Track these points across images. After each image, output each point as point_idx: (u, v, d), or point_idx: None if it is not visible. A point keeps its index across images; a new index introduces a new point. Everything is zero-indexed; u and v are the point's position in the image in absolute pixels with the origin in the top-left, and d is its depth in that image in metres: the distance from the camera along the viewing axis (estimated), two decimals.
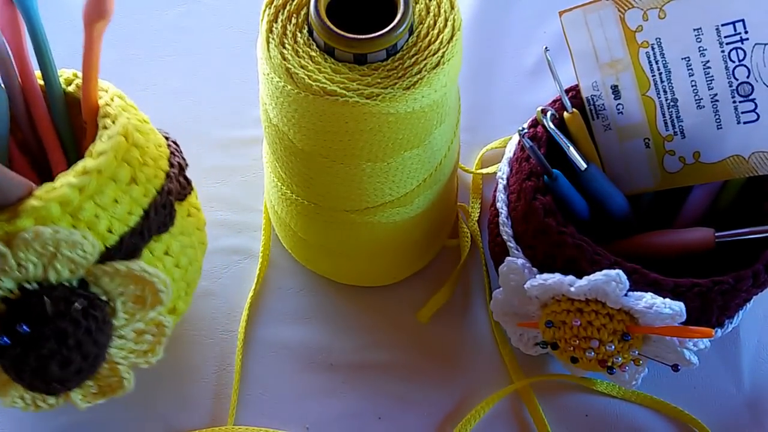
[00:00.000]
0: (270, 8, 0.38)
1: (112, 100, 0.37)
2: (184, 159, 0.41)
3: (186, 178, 0.41)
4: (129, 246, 0.36)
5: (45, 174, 0.40)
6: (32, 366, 0.33)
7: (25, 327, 0.32)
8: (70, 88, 0.39)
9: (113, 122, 0.36)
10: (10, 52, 0.37)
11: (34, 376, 0.33)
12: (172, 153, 0.40)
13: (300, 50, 0.37)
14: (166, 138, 0.41)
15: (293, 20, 0.38)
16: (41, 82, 0.39)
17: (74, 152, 0.41)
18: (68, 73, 0.40)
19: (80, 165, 0.34)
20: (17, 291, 0.32)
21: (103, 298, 0.35)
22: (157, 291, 0.36)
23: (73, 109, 0.39)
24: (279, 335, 0.48)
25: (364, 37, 0.36)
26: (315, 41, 0.37)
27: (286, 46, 0.37)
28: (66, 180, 0.33)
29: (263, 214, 0.52)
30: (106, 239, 0.35)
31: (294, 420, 0.45)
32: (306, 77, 0.36)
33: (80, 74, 0.39)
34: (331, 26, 0.36)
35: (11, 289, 0.32)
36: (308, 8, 0.38)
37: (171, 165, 0.39)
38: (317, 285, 0.50)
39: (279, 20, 0.38)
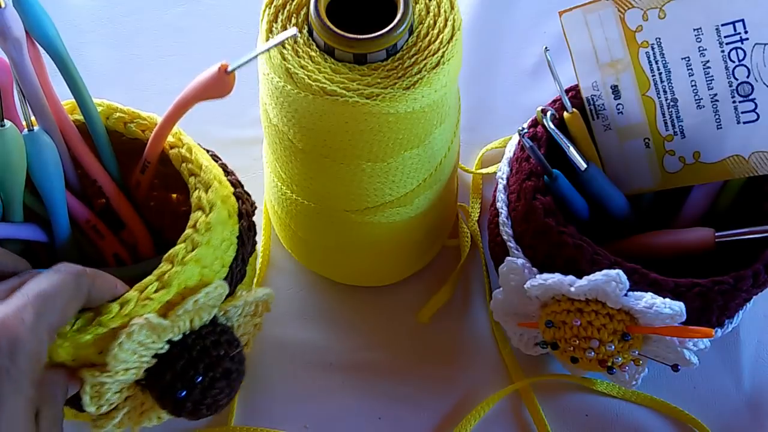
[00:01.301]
0: (270, 8, 0.38)
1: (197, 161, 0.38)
2: (233, 173, 0.43)
3: (245, 192, 0.42)
4: (236, 273, 0.39)
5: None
6: (208, 405, 0.36)
7: (199, 377, 0.35)
8: (112, 121, 0.39)
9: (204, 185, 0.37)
10: (44, 95, 0.36)
11: (208, 408, 0.36)
12: (225, 172, 0.41)
13: (300, 50, 0.37)
14: (213, 156, 0.42)
15: (293, 20, 0.38)
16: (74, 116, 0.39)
17: (121, 183, 0.41)
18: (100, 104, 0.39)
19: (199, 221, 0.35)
20: (165, 345, 0.35)
21: (229, 323, 0.38)
22: (268, 304, 0.40)
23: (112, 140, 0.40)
24: (279, 335, 0.48)
25: (364, 37, 0.36)
26: (315, 41, 0.37)
27: (286, 46, 0.37)
28: (191, 236, 0.35)
29: (263, 214, 0.52)
30: (222, 275, 0.37)
31: (294, 420, 0.45)
32: (306, 77, 0.36)
33: (109, 103, 0.39)
34: (331, 26, 0.36)
35: (161, 347, 0.35)
36: (308, 8, 0.38)
37: (233, 185, 0.40)
38: (317, 285, 0.50)
39: (279, 20, 0.38)
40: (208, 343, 0.36)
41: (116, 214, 0.41)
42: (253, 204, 0.41)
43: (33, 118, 0.36)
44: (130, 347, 0.33)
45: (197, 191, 0.36)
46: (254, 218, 0.47)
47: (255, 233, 0.42)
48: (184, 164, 0.37)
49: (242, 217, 0.39)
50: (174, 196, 0.46)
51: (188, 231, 0.35)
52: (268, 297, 0.40)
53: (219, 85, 0.35)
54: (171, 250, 0.34)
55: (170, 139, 0.38)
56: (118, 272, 0.37)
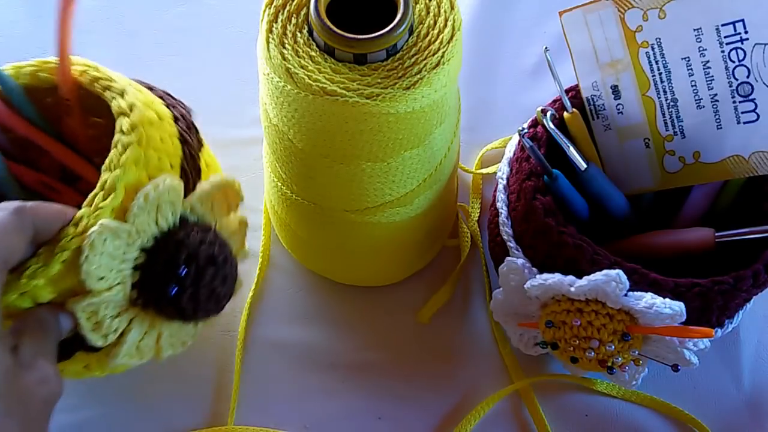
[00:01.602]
0: (270, 8, 0.38)
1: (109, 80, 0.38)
2: (157, 89, 0.43)
3: (176, 99, 0.43)
4: (190, 171, 0.39)
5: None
6: (206, 295, 0.37)
7: (183, 269, 0.35)
8: (25, 79, 0.40)
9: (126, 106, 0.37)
10: None
11: (208, 302, 0.37)
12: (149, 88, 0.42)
13: (300, 50, 0.37)
14: (151, 89, 0.43)
15: (293, 20, 0.38)
16: None
17: (54, 132, 0.41)
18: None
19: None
20: (141, 254, 0.35)
21: (199, 219, 0.38)
22: (237, 192, 0.40)
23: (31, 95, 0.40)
24: (279, 335, 0.48)
25: (364, 37, 0.36)
26: (315, 41, 0.37)
27: (286, 46, 0.37)
28: (122, 138, 0.35)
29: (263, 214, 0.52)
30: (175, 174, 0.37)
31: (294, 420, 0.45)
32: (306, 77, 0.36)
33: (15, 63, 0.40)
34: (331, 26, 0.36)
35: (136, 256, 0.35)
36: (308, 8, 0.38)
37: (159, 97, 0.41)
38: (317, 285, 0.50)
39: (279, 20, 0.38)
40: (181, 237, 0.36)
41: (64, 168, 0.41)
42: (188, 109, 0.42)
43: None
44: (98, 260, 0.33)
45: (114, 100, 0.37)
46: (251, 218, 0.47)
47: (197, 131, 0.42)
48: (96, 83, 0.38)
49: (178, 120, 0.40)
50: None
51: (117, 136, 0.35)
52: (228, 182, 0.39)
53: None
54: (106, 160, 0.35)
55: (79, 69, 0.39)
56: None
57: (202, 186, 0.38)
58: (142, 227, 0.35)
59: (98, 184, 0.34)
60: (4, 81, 0.38)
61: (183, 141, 0.40)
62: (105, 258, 0.33)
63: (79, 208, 0.38)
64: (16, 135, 0.40)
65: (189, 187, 0.38)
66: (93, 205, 0.34)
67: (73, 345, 0.37)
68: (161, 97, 0.41)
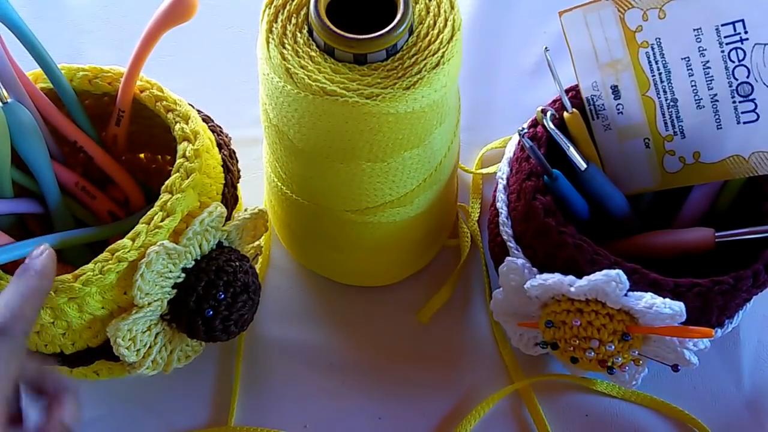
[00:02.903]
0: (270, 8, 0.38)
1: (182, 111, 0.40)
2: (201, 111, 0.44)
3: (217, 125, 0.44)
4: (229, 199, 0.41)
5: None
6: (235, 320, 0.38)
7: (221, 294, 0.37)
8: (77, 82, 0.41)
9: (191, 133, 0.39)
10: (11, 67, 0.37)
11: (235, 325, 0.39)
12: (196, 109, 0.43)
13: (300, 50, 0.37)
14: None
15: (293, 20, 0.38)
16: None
17: (99, 141, 0.42)
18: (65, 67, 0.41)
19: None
20: (181, 273, 0.37)
21: (233, 245, 0.40)
22: (265, 222, 0.42)
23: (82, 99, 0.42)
24: (279, 335, 0.48)
25: (363, 37, 0.36)
26: (315, 41, 0.37)
27: (286, 46, 0.37)
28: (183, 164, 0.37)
29: None
30: (217, 200, 0.39)
31: (293, 420, 0.45)
32: (306, 77, 0.36)
33: (69, 65, 0.41)
34: (331, 26, 0.36)
35: (178, 275, 0.37)
36: (308, 8, 0.38)
37: (204, 120, 0.43)
38: (317, 285, 0.50)
39: (279, 20, 0.38)
40: (221, 263, 0.37)
41: (100, 174, 0.42)
42: (227, 136, 0.44)
43: (4, 91, 0.37)
44: (150, 277, 0.35)
45: (178, 124, 0.38)
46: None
47: (237, 161, 0.44)
48: (158, 103, 0.39)
49: (222, 147, 0.42)
50: (142, 155, 0.48)
51: (179, 161, 0.37)
52: (261, 213, 0.41)
53: (181, 8, 0.38)
54: (167, 181, 0.36)
55: (139, 84, 0.40)
56: (117, 227, 0.40)
57: (242, 215, 0.40)
58: (189, 247, 0.37)
59: (157, 204, 0.36)
60: (60, 83, 0.39)
61: (226, 169, 0.41)
62: (154, 274, 0.35)
63: (114, 217, 0.41)
64: (60, 135, 0.41)
65: (227, 214, 0.40)
66: (152, 224, 0.35)
67: (97, 353, 0.38)
68: (205, 121, 0.42)
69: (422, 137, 0.39)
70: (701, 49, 0.39)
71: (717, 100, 0.39)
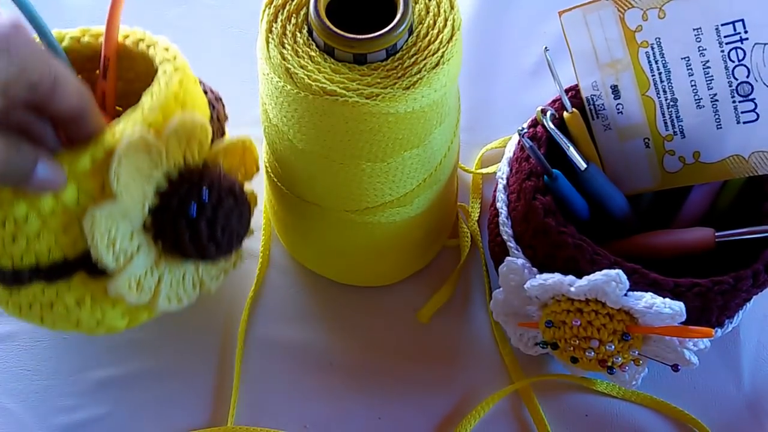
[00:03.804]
0: (270, 8, 0.38)
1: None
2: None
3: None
4: (215, 130, 0.41)
5: None
6: (222, 225, 0.38)
7: (205, 194, 0.37)
8: (66, 44, 0.42)
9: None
10: None
11: (223, 234, 0.38)
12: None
13: (300, 50, 0.37)
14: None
15: (293, 20, 0.38)
16: None
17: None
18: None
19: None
20: (164, 182, 0.37)
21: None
22: (255, 159, 0.42)
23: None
24: (279, 335, 0.48)
25: (363, 37, 0.36)
26: (315, 41, 0.37)
27: (286, 46, 0.37)
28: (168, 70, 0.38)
29: (263, 214, 0.52)
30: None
31: (293, 420, 0.45)
32: (305, 77, 0.36)
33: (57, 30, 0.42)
34: (331, 26, 0.36)
35: (159, 181, 0.37)
36: (308, 8, 0.38)
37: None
38: (317, 285, 0.50)
39: (279, 20, 0.38)
40: (204, 170, 0.38)
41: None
42: (218, 95, 0.45)
43: None
44: (129, 168, 0.35)
45: (158, 53, 0.40)
46: (254, 217, 0.47)
47: (223, 106, 0.44)
48: (140, 42, 0.41)
49: (207, 93, 0.43)
50: None
51: (160, 74, 0.38)
52: (248, 143, 0.42)
53: None
54: (148, 89, 0.37)
55: (122, 33, 0.41)
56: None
57: (228, 139, 0.40)
58: (171, 153, 0.36)
59: (138, 105, 0.36)
60: (52, 45, 0.39)
61: (211, 107, 0.42)
62: (133, 170, 0.35)
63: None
64: None
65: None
66: (131, 116, 0.35)
67: (75, 265, 0.37)
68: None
69: (422, 137, 0.39)
70: (701, 48, 0.39)
71: (717, 100, 0.39)
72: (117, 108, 0.44)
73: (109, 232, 0.35)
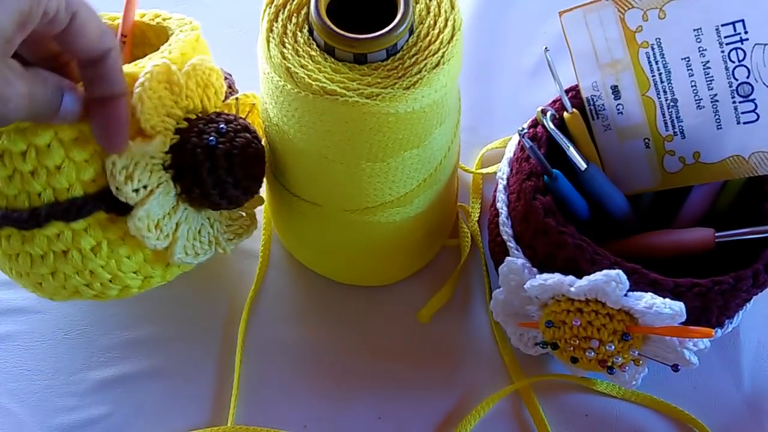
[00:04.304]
0: (270, 8, 0.38)
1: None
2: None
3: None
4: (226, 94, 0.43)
5: None
6: (240, 160, 0.38)
7: (222, 126, 0.38)
8: None
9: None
10: None
11: (241, 168, 0.39)
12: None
13: (300, 50, 0.37)
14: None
15: (293, 20, 0.38)
16: None
17: None
18: None
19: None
20: (183, 122, 0.38)
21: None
22: (257, 107, 0.44)
23: None
24: (279, 335, 0.48)
25: (364, 36, 0.36)
26: (315, 41, 0.37)
27: (287, 45, 0.37)
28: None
29: (263, 214, 0.52)
30: None
31: (293, 420, 0.45)
32: (306, 77, 0.36)
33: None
34: (332, 26, 0.36)
35: (179, 119, 0.38)
36: (308, 8, 0.38)
37: None
38: (317, 285, 0.50)
39: (279, 20, 0.38)
40: (221, 113, 0.39)
41: None
42: (235, 87, 0.46)
43: None
44: (152, 98, 0.36)
45: (174, 20, 0.42)
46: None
47: (235, 91, 0.45)
48: (156, 18, 0.43)
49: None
50: None
51: (177, 27, 0.41)
52: (252, 95, 0.44)
53: None
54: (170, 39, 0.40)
55: (139, 14, 0.44)
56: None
57: (238, 96, 0.42)
58: (190, 91, 0.38)
59: (158, 52, 0.38)
60: None
61: (224, 77, 0.43)
62: (156, 99, 0.36)
63: None
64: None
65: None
66: (153, 58, 0.37)
67: (95, 202, 0.37)
68: None
69: (422, 137, 0.39)
70: (701, 49, 0.39)
71: (717, 101, 0.39)
72: None
73: (129, 166, 0.36)
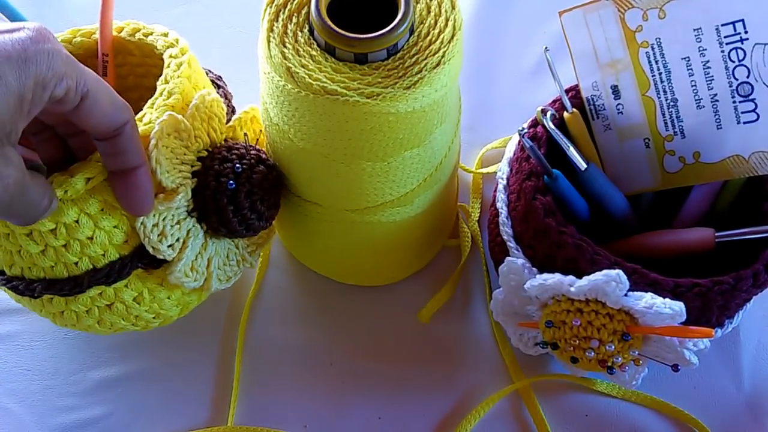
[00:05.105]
0: (271, 7, 0.38)
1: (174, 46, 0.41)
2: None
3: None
4: (228, 112, 0.42)
5: None
6: (260, 195, 0.39)
7: (237, 166, 0.38)
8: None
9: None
10: None
11: (262, 202, 0.40)
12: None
13: (301, 49, 0.37)
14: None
15: (294, 19, 0.38)
16: None
17: None
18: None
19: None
20: (197, 162, 0.38)
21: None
22: (260, 125, 0.43)
23: None
24: (279, 335, 0.48)
25: (364, 36, 0.36)
26: (316, 40, 0.37)
27: (287, 45, 0.37)
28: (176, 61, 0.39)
29: None
30: None
31: (293, 420, 0.45)
32: (306, 76, 0.36)
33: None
34: (332, 26, 0.36)
35: (193, 163, 0.38)
36: (309, 7, 0.38)
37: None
38: (317, 285, 0.50)
39: (280, 19, 0.38)
40: (230, 145, 0.39)
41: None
42: (217, 75, 0.45)
43: None
44: (165, 153, 0.35)
45: (159, 40, 0.41)
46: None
47: (225, 84, 0.45)
48: (138, 33, 0.42)
49: (208, 73, 0.44)
50: None
51: (167, 59, 0.39)
52: (253, 109, 0.43)
53: None
54: (161, 77, 0.38)
55: (116, 27, 0.42)
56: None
57: (238, 114, 0.42)
58: (198, 131, 0.38)
59: (157, 93, 0.37)
60: None
61: (216, 86, 0.43)
62: (169, 153, 0.36)
63: None
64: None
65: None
66: (155, 106, 0.36)
67: (131, 262, 0.37)
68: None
69: (423, 137, 0.39)
70: (701, 49, 0.39)
71: (717, 100, 0.39)
72: None
73: (159, 224, 0.36)
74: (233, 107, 0.45)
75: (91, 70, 0.30)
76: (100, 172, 0.34)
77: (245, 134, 0.42)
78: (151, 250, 0.37)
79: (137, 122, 0.34)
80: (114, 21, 0.42)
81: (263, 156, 0.40)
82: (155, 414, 0.45)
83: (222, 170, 0.38)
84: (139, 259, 0.37)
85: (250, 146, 0.40)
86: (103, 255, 0.37)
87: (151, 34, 0.41)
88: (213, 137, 0.39)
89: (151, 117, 0.36)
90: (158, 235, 0.36)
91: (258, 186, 0.39)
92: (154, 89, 0.38)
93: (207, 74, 0.44)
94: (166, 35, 0.41)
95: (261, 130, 0.43)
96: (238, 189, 0.38)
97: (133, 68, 0.43)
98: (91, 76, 0.30)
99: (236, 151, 0.39)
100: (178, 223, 0.37)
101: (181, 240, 0.38)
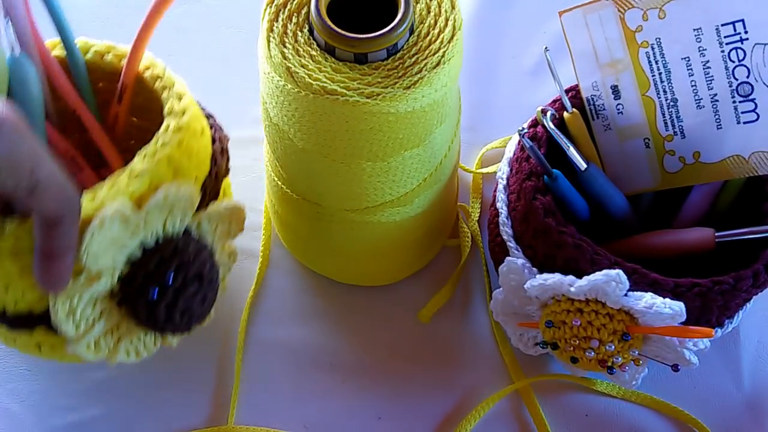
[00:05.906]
0: (271, 7, 0.38)
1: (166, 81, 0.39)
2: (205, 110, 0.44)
3: (217, 124, 0.44)
4: (209, 190, 0.40)
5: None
6: (181, 309, 0.36)
7: (170, 276, 0.35)
8: (89, 56, 0.41)
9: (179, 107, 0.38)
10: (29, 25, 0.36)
11: (182, 317, 0.37)
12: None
13: (300, 49, 0.37)
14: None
15: (294, 19, 0.38)
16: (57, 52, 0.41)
17: (98, 116, 0.42)
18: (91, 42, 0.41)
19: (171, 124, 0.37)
20: (138, 250, 0.35)
21: (202, 240, 0.38)
22: (242, 220, 0.41)
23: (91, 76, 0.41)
24: (279, 335, 0.48)
25: (364, 36, 0.36)
26: (315, 40, 0.37)
27: (287, 45, 0.37)
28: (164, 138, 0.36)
29: (263, 214, 0.52)
30: (197, 187, 0.38)
31: (293, 420, 0.45)
32: (306, 76, 0.36)
33: (85, 39, 0.41)
34: (332, 25, 0.36)
35: (133, 250, 0.35)
36: (309, 7, 0.38)
37: (206, 116, 0.42)
38: (317, 285, 0.50)
39: (280, 19, 0.38)
40: (180, 245, 0.36)
41: (98, 157, 0.42)
42: (226, 136, 0.43)
43: (17, 44, 0.35)
44: (102, 241, 0.33)
45: (169, 101, 0.38)
46: (252, 218, 0.47)
47: (228, 159, 0.43)
48: (158, 81, 0.39)
49: (215, 142, 0.41)
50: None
51: (160, 132, 0.36)
52: (236, 209, 0.40)
53: None
54: (143, 148, 0.35)
55: (145, 63, 0.40)
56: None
57: (216, 207, 0.39)
58: (150, 224, 0.35)
59: (127, 168, 0.34)
60: (73, 53, 0.39)
61: (213, 161, 0.40)
62: (107, 241, 0.33)
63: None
64: (63, 105, 0.40)
65: (201, 205, 0.38)
66: (115, 187, 0.34)
67: (38, 319, 0.36)
68: (207, 117, 0.42)
69: (423, 137, 0.39)
70: (701, 49, 0.39)
71: (717, 100, 0.39)
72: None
73: (71, 301, 0.34)
74: (228, 156, 0.43)
75: (49, 159, 0.29)
76: (28, 237, 0.32)
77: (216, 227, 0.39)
78: (53, 324, 0.34)
79: (87, 195, 0.32)
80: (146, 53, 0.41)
81: (206, 270, 0.37)
82: (155, 414, 0.45)
83: (154, 272, 0.35)
84: (45, 321, 0.35)
85: (200, 253, 0.37)
86: (14, 304, 0.35)
87: (169, 88, 0.39)
88: (168, 229, 0.36)
89: (102, 197, 0.33)
90: (66, 312, 0.34)
91: (184, 302, 0.36)
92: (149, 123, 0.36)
93: (213, 131, 0.41)
94: (180, 98, 0.38)
95: (241, 223, 0.41)
96: (160, 301, 0.35)
97: (144, 111, 0.42)
98: (46, 168, 0.28)
99: (179, 258, 0.36)
100: (94, 303, 0.35)
101: (90, 320, 0.35)
